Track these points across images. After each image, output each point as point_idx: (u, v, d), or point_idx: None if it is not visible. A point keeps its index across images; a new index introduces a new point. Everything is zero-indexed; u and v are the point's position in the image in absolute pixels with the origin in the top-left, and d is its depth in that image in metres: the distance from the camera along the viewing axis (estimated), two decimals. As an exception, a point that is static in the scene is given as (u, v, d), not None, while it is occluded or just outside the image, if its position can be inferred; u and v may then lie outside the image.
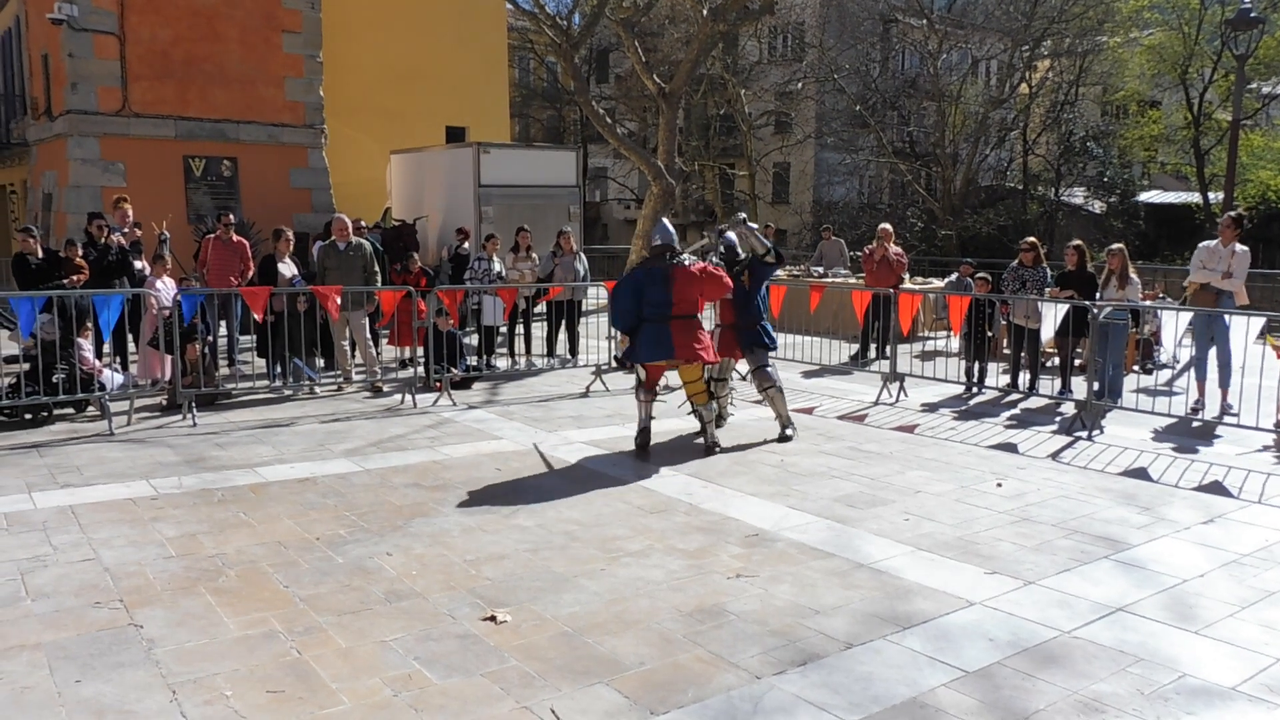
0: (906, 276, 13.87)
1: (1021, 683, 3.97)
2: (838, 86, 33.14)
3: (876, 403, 10.14)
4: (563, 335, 12.48)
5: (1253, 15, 16.93)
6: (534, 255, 12.45)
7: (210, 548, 5.47)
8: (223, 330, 11.15)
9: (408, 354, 11.49)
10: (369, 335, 10.48)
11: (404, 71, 21.81)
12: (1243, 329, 8.18)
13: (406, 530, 5.81)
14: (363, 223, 12.92)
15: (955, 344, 13.06)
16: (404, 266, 11.96)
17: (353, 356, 10.65)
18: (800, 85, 35.44)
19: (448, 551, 5.46)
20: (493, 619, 4.53)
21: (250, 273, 11.02)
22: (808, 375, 11.84)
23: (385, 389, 10.35)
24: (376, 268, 10.56)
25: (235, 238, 11.37)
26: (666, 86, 21.56)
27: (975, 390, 10.71)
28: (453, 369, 10.44)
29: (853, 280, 15.65)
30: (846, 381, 11.48)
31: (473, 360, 11.48)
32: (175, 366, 9.15)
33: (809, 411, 9.68)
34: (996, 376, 11.02)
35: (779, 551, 5.54)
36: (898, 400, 10.19)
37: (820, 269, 17.01)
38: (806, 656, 4.19)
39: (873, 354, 12.70)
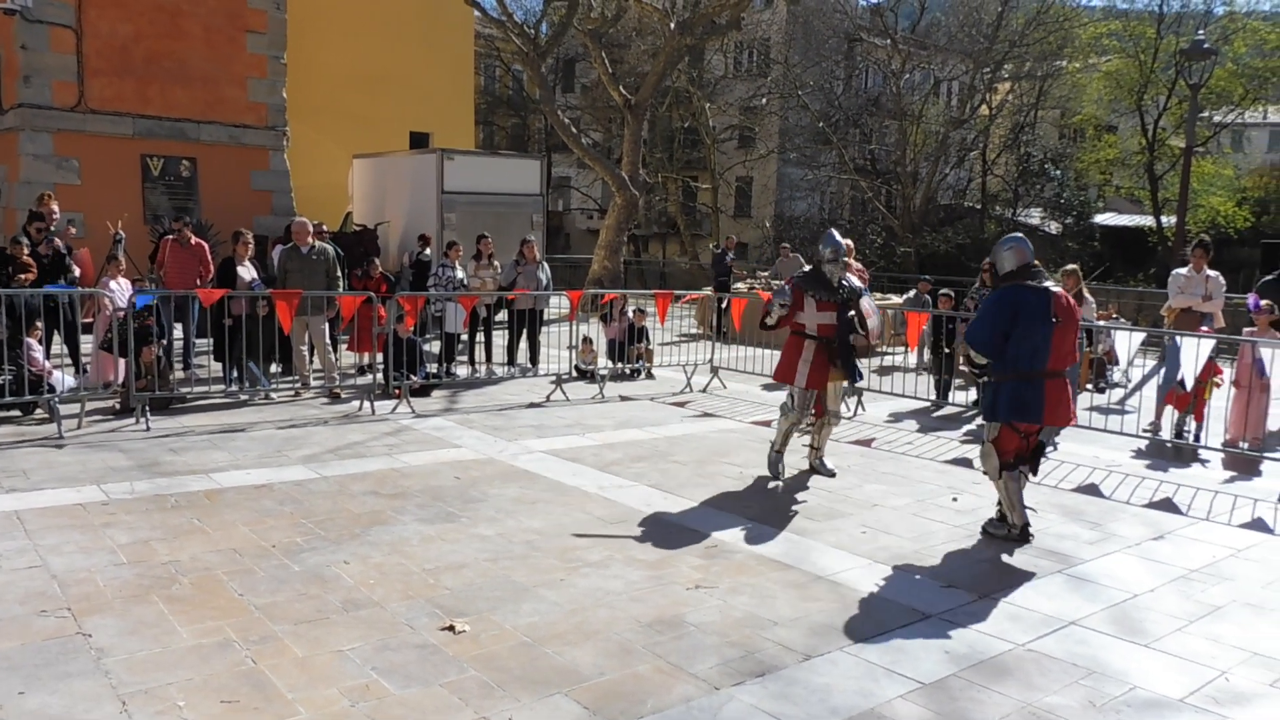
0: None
1: (976, 694, 4.03)
2: (801, 103, 33.46)
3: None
4: (524, 344, 12.45)
5: (1206, 46, 17.38)
6: (496, 263, 12.42)
7: (163, 555, 5.38)
8: (178, 333, 10.99)
9: (367, 360, 11.40)
10: (329, 341, 10.38)
11: (369, 76, 21.69)
12: (1193, 350, 8.35)
13: (364, 539, 5.76)
14: (324, 227, 12.81)
15: (913, 359, 13.22)
16: (365, 272, 11.88)
17: (311, 362, 10.54)
18: (764, 100, 35.76)
19: (406, 560, 5.42)
20: (451, 629, 4.50)
21: (210, 275, 10.86)
22: (768, 388, 11.91)
23: (344, 395, 10.26)
24: (339, 272, 10.47)
25: (194, 240, 11.20)
26: (633, 98, 21.68)
27: (941, 404, 10.85)
28: (412, 376, 10.37)
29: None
30: (806, 395, 11.55)
31: (433, 368, 11.41)
32: (129, 369, 8.99)
33: (767, 424, 9.72)
34: (953, 393, 11.17)
35: (738, 563, 5.56)
36: (856, 414, 10.29)
37: (779, 283, 17.13)
38: (765, 668, 4.21)
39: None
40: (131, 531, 5.75)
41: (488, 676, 4.06)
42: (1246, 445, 8.73)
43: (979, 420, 10.21)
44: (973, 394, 10.89)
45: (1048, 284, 6.02)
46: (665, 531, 6.10)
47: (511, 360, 12.33)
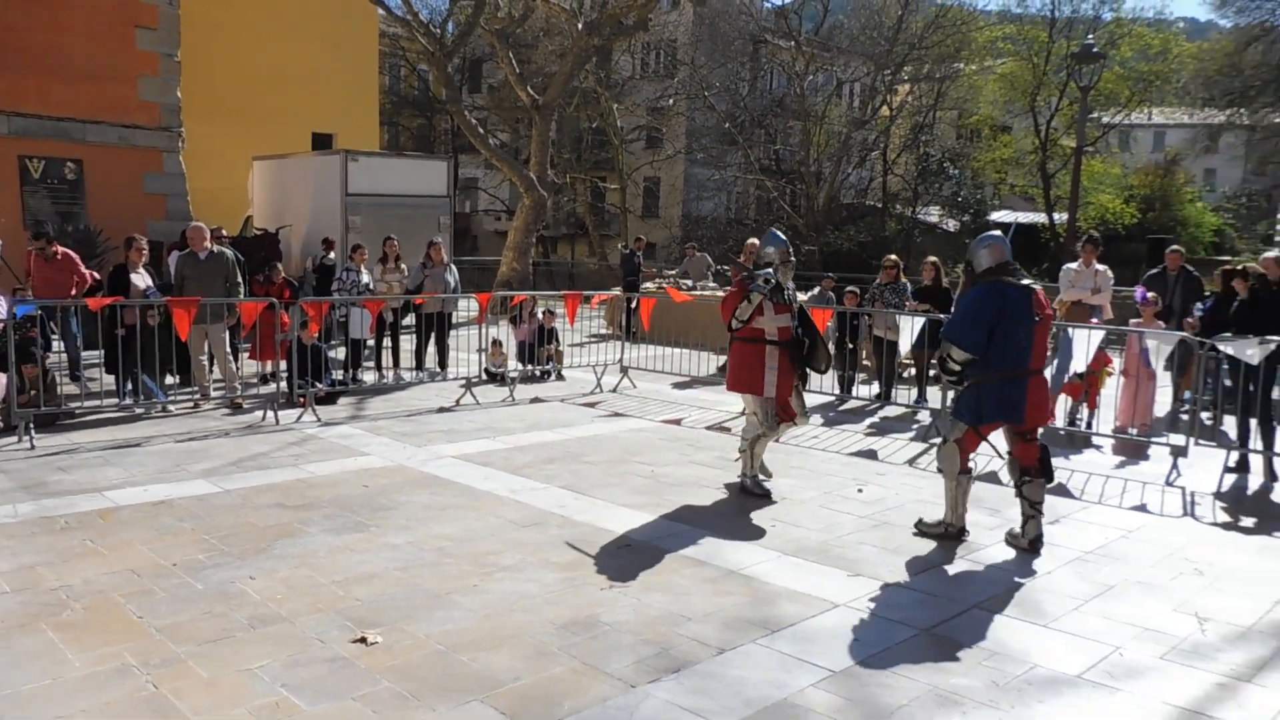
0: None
1: (884, 679, 4.13)
2: (708, 104, 33.80)
3: (743, 413, 10.31)
4: (432, 348, 12.30)
5: (1095, 50, 18.12)
6: (403, 266, 12.24)
7: (52, 579, 5.13)
8: (60, 345, 10.54)
9: (270, 368, 11.12)
10: (229, 349, 10.08)
11: (269, 75, 21.13)
12: (1084, 341, 8.70)
13: (271, 552, 5.62)
14: (223, 231, 12.44)
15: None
16: (266, 277, 11.58)
17: (211, 371, 10.23)
18: (671, 101, 36.03)
19: (315, 573, 5.30)
20: (363, 640, 4.42)
21: (86, 286, 10.38)
22: (678, 386, 12.01)
23: (246, 405, 9.98)
24: (239, 278, 10.17)
25: (60, 252, 10.52)
26: (540, 98, 21.60)
27: (845, 398, 11.09)
28: (317, 384, 10.15)
29: (720, 293, 15.94)
30: (715, 393, 11.68)
31: (339, 374, 11.20)
32: (10, 384, 8.57)
33: (677, 422, 9.81)
34: (856, 387, 11.41)
35: (651, 561, 5.59)
36: (766, 411, 10.42)
37: (689, 282, 17.28)
38: (680, 663, 4.25)
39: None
40: (14, 557, 5.45)
41: (402, 687, 4.00)
42: (1135, 431, 9.12)
43: (882, 414, 10.46)
44: (875, 388, 11.14)
45: (1026, 281, 5.91)
46: (579, 533, 6.10)
47: (420, 365, 12.17)
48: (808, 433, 9.44)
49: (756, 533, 6.18)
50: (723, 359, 13.10)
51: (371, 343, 12.24)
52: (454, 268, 12.62)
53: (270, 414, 9.38)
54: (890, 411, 10.60)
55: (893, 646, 4.47)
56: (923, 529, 6.20)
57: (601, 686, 4.02)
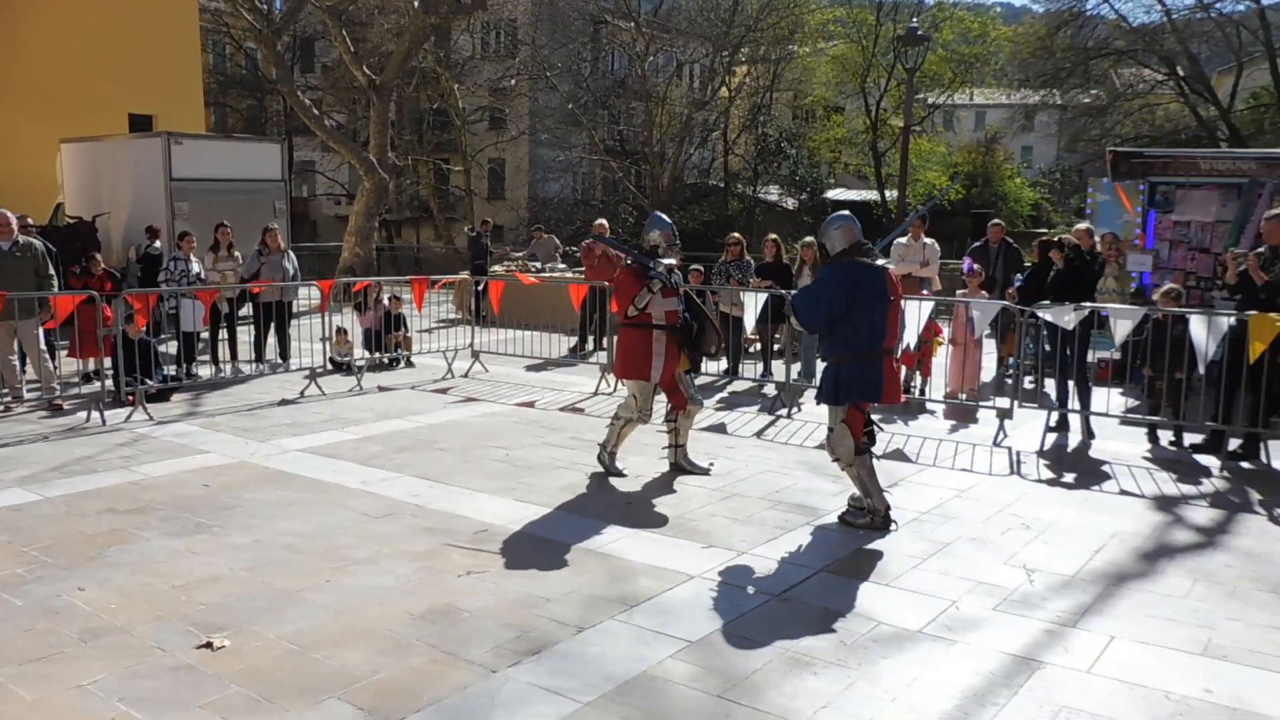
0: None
1: (740, 646, 4.25)
2: (550, 84, 33.62)
3: (595, 393, 10.42)
4: (272, 339, 11.84)
5: (920, 33, 18.92)
6: (236, 254, 11.71)
7: None
8: None
9: (93, 366, 10.46)
10: (43, 347, 9.41)
11: (79, 53, 19.69)
12: (915, 313, 9.12)
13: (102, 560, 5.30)
14: (30, 220, 11.56)
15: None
16: (84, 269, 10.84)
17: (24, 372, 9.54)
18: (514, 82, 35.66)
19: (153, 579, 5.04)
20: (209, 646, 4.24)
21: None
22: (531, 369, 11.97)
23: (66, 406, 9.36)
24: (51, 270, 9.50)
25: None
26: (377, 79, 20.98)
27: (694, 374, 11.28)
28: (148, 380, 9.61)
29: (569, 275, 15.96)
30: (567, 374, 11.71)
31: (171, 370, 10.63)
32: None
33: (531, 405, 9.79)
34: (704, 363, 11.62)
35: (509, 544, 5.57)
36: (615, 390, 10.52)
37: (537, 264, 17.22)
38: (540, 645, 4.26)
39: (591, 345, 13.04)
40: None
41: (253, 690, 3.86)
42: (964, 396, 9.65)
43: (730, 388, 10.70)
44: (722, 364, 11.37)
45: (880, 261, 5.95)
46: (434, 521, 6.02)
47: (259, 357, 11.69)
48: (657, 410, 9.56)
49: (611, 511, 6.24)
50: (574, 340, 13.15)
51: (206, 335, 11.68)
52: (292, 254, 12.16)
53: (95, 414, 8.82)
54: (737, 386, 10.86)
55: (746, 613, 4.61)
56: (846, 519, 5.97)
57: (462, 674, 3.99)
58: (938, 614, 4.61)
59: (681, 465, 7.18)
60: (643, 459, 7.53)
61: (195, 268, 11.13)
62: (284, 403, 9.79)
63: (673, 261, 6.95)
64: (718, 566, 5.23)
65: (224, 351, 11.58)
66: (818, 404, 6.22)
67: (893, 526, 5.88)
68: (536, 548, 5.54)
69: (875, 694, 3.84)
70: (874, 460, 6.07)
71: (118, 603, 4.72)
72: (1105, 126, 29.41)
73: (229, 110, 38.44)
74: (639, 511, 6.24)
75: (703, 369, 11.25)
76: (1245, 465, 7.53)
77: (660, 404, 7.23)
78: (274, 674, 4.00)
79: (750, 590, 4.90)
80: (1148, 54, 26.68)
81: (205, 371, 11.15)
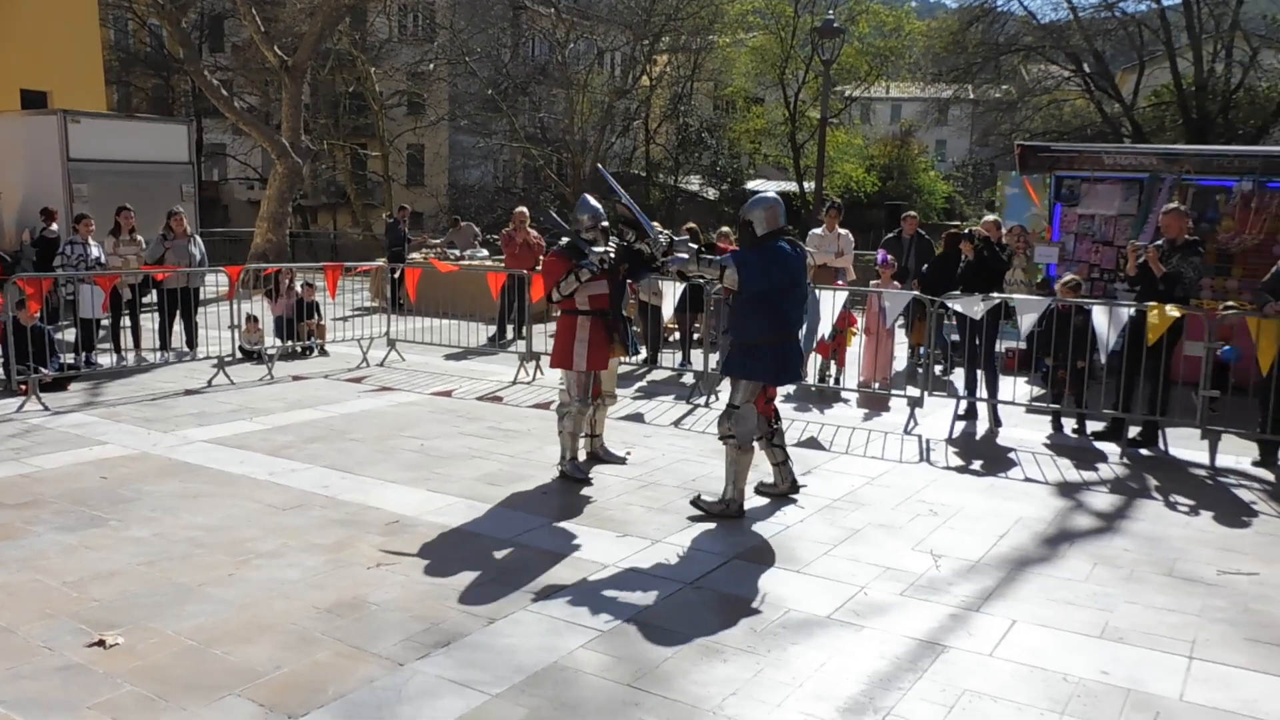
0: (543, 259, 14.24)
1: (651, 635, 4.25)
2: (470, 69, 33.19)
3: (515, 382, 10.32)
4: (178, 326, 11.46)
5: (836, 25, 19.13)
6: (139, 238, 11.30)
7: None
8: None
9: (-15, 353, 9.99)
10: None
11: (-35, 25, 18.77)
12: (830, 302, 9.24)
13: (-11, 554, 5.07)
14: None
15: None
16: (-25, 252, 10.37)
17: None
18: (432, 66, 35.09)
19: (43, 576, 4.83)
20: (102, 644, 4.08)
21: None
22: (450, 358, 11.81)
23: (-43, 394, 8.94)
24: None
25: None
26: (289, 60, 20.44)
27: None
28: (42, 369, 9.22)
29: (489, 262, 15.80)
30: (487, 363, 11.59)
31: (69, 358, 10.21)
32: None
33: (448, 394, 9.66)
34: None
35: (421, 536, 5.49)
36: (534, 379, 10.45)
37: (456, 252, 17.01)
38: (450, 637, 4.19)
39: (510, 334, 12.92)
40: None
41: (148, 689, 3.73)
42: (878, 385, 9.82)
43: (649, 377, 10.72)
44: (642, 353, 11.36)
45: (808, 249, 5.97)
46: (344, 513, 5.89)
47: (164, 345, 11.31)
48: (577, 399, 9.53)
49: (527, 501, 6.19)
50: (493, 329, 13.01)
51: (107, 322, 11.25)
52: (199, 239, 11.80)
53: (-14, 404, 8.44)
54: (656, 375, 10.87)
55: (659, 602, 4.61)
56: (701, 505, 5.96)
57: (368, 668, 3.92)
58: (847, 599, 4.68)
59: (598, 455, 7.12)
60: (559, 448, 7.47)
61: (95, 252, 10.72)
62: (189, 392, 9.48)
63: (606, 252, 6.65)
64: (632, 555, 5.23)
65: (127, 339, 11.17)
66: (722, 376, 6.16)
67: (745, 514, 5.91)
68: (449, 539, 5.46)
69: (783, 680, 3.87)
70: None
71: (3, 600, 4.51)
72: (1015, 121, 30.14)
73: (133, 89, 37.10)
74: (555, 501, 6.20)
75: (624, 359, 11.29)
76: (1144, 452, 7.80)
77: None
78: (170, 672, 3.87)
79: (664, 579, 4.91)
80: (1055, 51, 27.40)
81: (106, 360, 10.75)
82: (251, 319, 11.51)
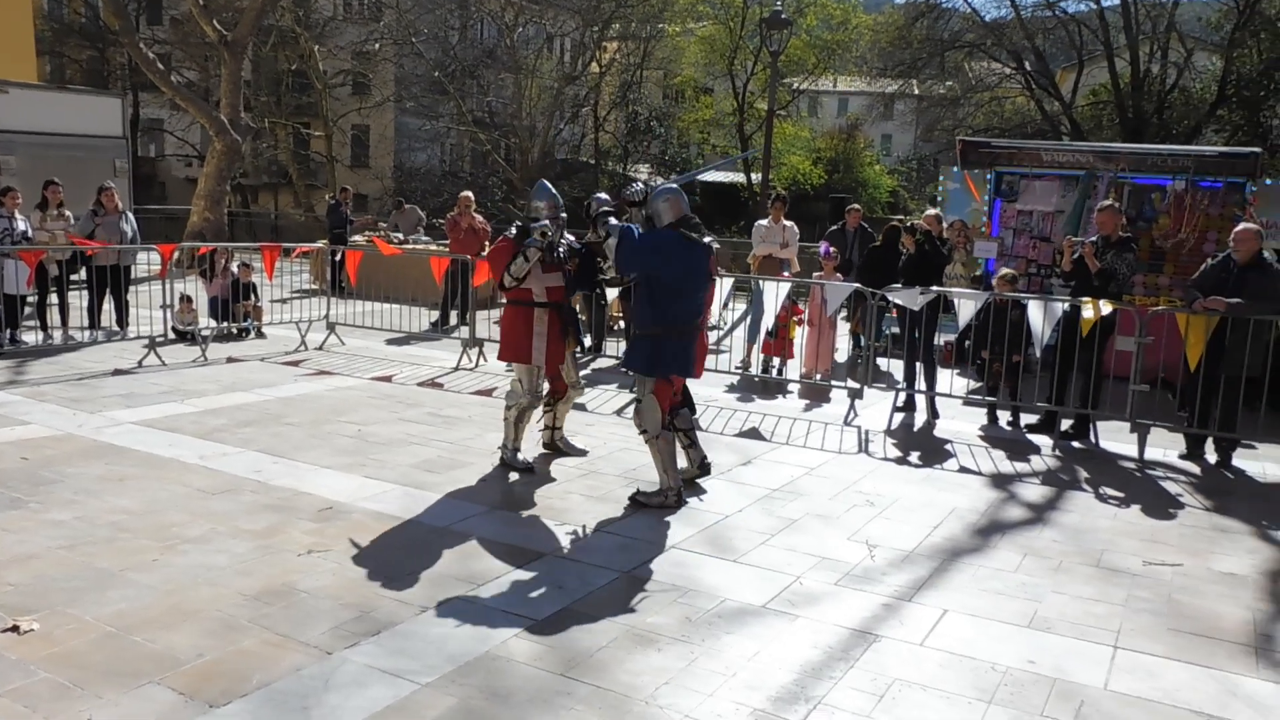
0: (489, 245, 14.10)
1: (585, 624, 4.22)
2: (416, 50, 32.73)
3: (457, 368, 10.21)
4: (109, 305, 11.14)
5: (784, 17, 19.18)
6: (68, 213, 10.95)
7: None
8: None
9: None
10: None
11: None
12: (774, 293, 9.27)
13: (-101, 537, 4.88)
14: None
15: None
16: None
17: None
18: (378, 46, 34.52)
19: (-44, 557, 4.67)
20: (15, 629, 3.94)
21: None
22: (391, 343, 11.64)
23: None
24: None
25: None
26: (229, 35, 19.95)
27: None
28: (-35, 345, 8.92)
29: (434, 247, 15.61)
30: (429, 348, 11.45)
31: (-8, 335, 9.88)
32: None
33: (388, 379, 9.52)
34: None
35: (354, 523, 5.39)
36: (477, 365, 10.34)
37: (399, 235, 16.78)
38: (380, 626, 4.12)
39: (454, 320, 12.79)
40: None
41: (63, 676, 3.61)
42: (819, 377, 9.88)
43: (594, 365, 10.68)
44: (588, 340, 11.32)
45: (708, 239, 5.93)
46: (276, 498, 5.77)
47: (94, 324, 10.99)
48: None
49: (465, 489, 6.12)
50: (436, 314, 12.85)
51: (32, 299, 10.90)
52: (130, 216, 11.48)
53: (-98, 382, 8.13)
54: (601, 364, 10.83)
55: (594, 591, 4.58)
56: (642, 498, 5.90)
57: (295, 656, 3.83)
58: (782, 589, 4.69)
59: (558, 447, 6.99)
60: (500, 435, 7.40)
61: (20, 226, 10.36)
62: (119, 373, 9.23)
63: (546, 224, 6.41)
64: (570, 543, 5.19)
65: (54, 317, 10.84)
66: (625, 371, 6.15)
67: (685, 501, 5.91)
68: (383, 526, 5.37)
69: (716, 669, 3.86)
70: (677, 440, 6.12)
71: (-87, 586, 4.34)
72: (958, 117, 30.57)
73: (67, 60, 35.99)
74: (494, 489, 6.14)
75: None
76: (1075, 444, 7.95)
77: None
78: (88, 658, 3.75)
79: (600, 567, 4.88)
80: (997, 48, 27.82)
81: (31, 338, 10.42)
82: (185, 299, 11.23)
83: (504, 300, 6.63)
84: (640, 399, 5.96)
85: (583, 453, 7.02)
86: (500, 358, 6.71)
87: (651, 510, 5.80)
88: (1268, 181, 12.36)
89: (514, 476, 6.42)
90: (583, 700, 3.60)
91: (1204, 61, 28.11)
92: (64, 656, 3.77)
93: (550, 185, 6.76)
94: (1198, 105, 26.18)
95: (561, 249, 6.50)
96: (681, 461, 6.28)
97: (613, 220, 6.11)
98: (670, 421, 6.08)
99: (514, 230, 6.58)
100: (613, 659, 3.92)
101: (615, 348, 11.24)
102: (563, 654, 3.94)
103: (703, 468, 6.41)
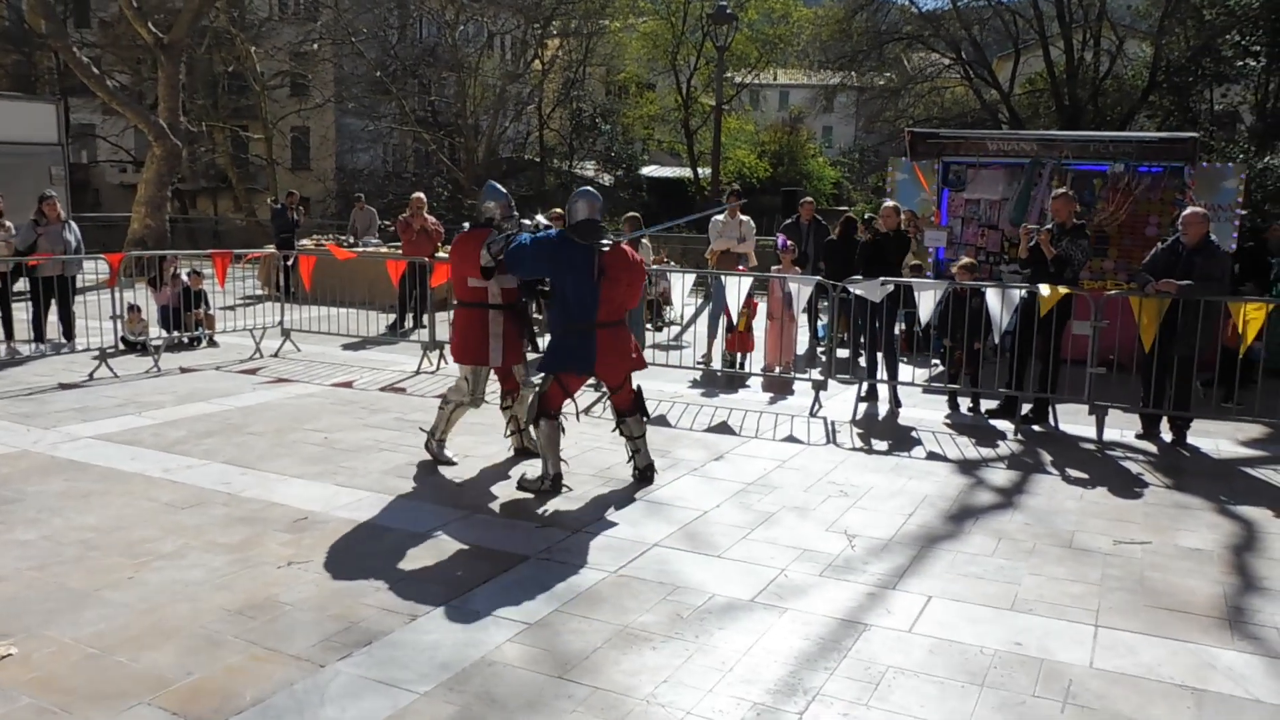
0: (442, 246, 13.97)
1: (577, 625, 4.22)
2: (356, 50, 32.29)
3: (418, 372, 10.11)
4: (54, 316, 10.85)
5: (728, 12, 19.28)
6: (7, 223, 10.65)
7: None
8: None
9: None
10: None
11: None
12: (735, 288, 9.31)
13: None
14: None
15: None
16: None
17: None
18: (316, 46, 33.98)
19: (-79, 583, 4.52)
20: (-7, 655, 3.84)
21: None
22: (347, 348, 11.49)
23: None
24: None
25: None
26: (165, 37, 19.52)
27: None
28: (-94, 363, 8.63)
29: (384, 250, 15.43)
30: (387, 353, 11.32)
31: (-66, 351, 9.59)
32: None
33: (349, 385, 9.40)
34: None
35: (331, 532, 5.32)
36: (438, 369, 10.26)
37: (352, 239, 16.57)
38: (370, 636, 4.08)
39: (410, 323, 12.66)
40: None
41: (47, 701, 3.52)
42: (780, 369, 9.96)
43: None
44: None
45: (605, 243, 6.03)
46: (248, 510, 5.67)
47: (39, 336, 10.70)
48: (491, 386, 9.39)
49: (442, 494, 6.08)
50: (392, 317, 12.72)
51: (-27, 313, 10.58)
52: (74, 224, 11.18)
53: None
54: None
55: (583, 593, 4.57)
56: (524, 485, 6.09)
57: (285, 671, 3.78)
58: (768, 583, 4.73)
59: (529, 449, 6.89)
60: (473, 439, 7.37)
61: (-41, 239, 10.05)
62: (68, 386, 9.00)
63: (527, 224, 6.57)
64: (554, 545, 5.18)
65: (-5, 330, 10.54)
66: (537, 369, 6.25)
67: (564, 489, 6.06)
68: (361, 534, 5.32)
69: (712, 665, 3.89)
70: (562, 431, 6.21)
71: (-121, 615, 4.20)
72: (899, 108, 30.94)
73: (-9, 65, 34.87)
74: (470, 494, 6.10)
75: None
76: (1036, 428, 8.12)
77: (493, 384, 6.99)
78: (71, 681, 3.67)
79: (586, 568, 4.87)
80: (935, 39, 28.22)
81: (-26, 353, 10.12)
82: (134, 308, 10.98)
83: (455, 302, 6.63)
84: (533, 392, 6.22)
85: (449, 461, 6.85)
86: (456, 359, 6.71)
87: (629, 510, 5.81)
88: (1204, 165, 12.71)
89: (488, 481, 6.37)
90: (582, 702, 3.59)
91: (1135, 49, 28.79)
92: (46, 680, 3.67)
93: (500, 185, 6.76)
94: (1130, 92, 26.81)
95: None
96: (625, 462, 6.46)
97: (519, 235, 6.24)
98: (619, 424, 6.33)
99: (466, 227, 6.62)
100: (607, 659, 3.92)
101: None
102: (557, 657, 3.93)
103: (643, 476, 6.31)
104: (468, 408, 6.75)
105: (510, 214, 6.54)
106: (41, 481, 6.13)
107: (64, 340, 10.74)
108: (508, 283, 6.45)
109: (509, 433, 7.04)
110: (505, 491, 6.11)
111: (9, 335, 10.57)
